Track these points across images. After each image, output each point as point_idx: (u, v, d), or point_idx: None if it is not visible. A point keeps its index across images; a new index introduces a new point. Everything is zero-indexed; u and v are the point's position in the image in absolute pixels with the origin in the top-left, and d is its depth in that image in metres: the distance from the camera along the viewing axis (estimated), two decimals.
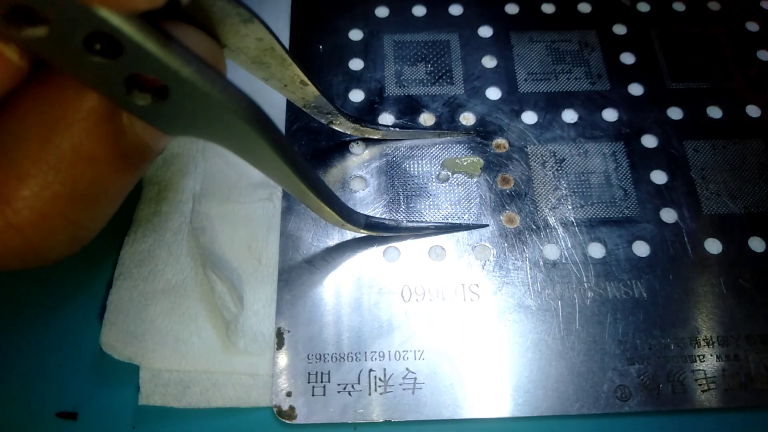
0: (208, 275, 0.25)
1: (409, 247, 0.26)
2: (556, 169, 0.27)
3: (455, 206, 0.26)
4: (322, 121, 0.26)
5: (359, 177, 0.27)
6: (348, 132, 0.27)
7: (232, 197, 0.26)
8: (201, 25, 0.18)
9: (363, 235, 0.25)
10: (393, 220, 0.26)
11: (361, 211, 0.26)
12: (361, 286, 0.25)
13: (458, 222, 0.26)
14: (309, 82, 0.23)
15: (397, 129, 0.28)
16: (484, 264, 0.25)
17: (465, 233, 0.26)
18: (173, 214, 0.26)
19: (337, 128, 0.27)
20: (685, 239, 0.26)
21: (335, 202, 0.22)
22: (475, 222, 0.26)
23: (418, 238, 0.26)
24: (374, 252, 0.25)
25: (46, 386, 0.24)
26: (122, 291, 0.25)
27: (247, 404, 0.23)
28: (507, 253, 0.25)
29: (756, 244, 0.26)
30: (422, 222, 0.26)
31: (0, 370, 0.24)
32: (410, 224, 0.26)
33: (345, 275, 0.25)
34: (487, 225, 0.26)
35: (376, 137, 0.28)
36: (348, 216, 0.23)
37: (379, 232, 0.25)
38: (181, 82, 0.14)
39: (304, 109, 0.25)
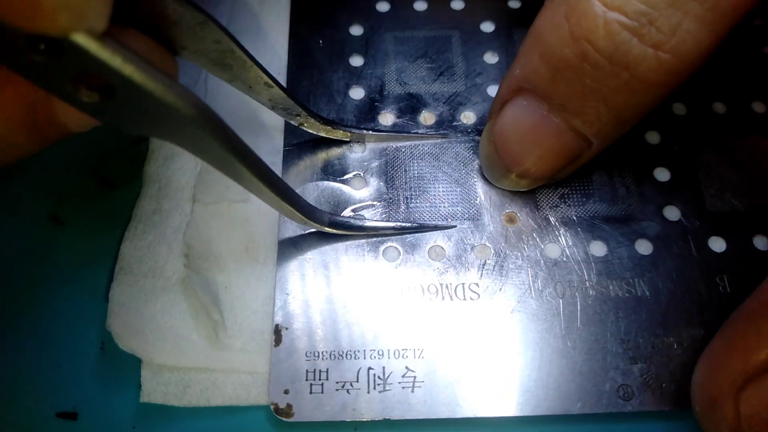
0: (193, 285, 0.25)
1: (408, 246, 0.25)
2: None
3: (455, 206, 0.26)
4: (293, 123, 0.26)
5: (358, 176, 0.27)
6: (321, 134, 0.27)
7: (228, 196, 0.26)
8: (156, 28, 0.18)
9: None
10: (358, 217, 0.26)
11: (361, 210, 0.26)
12: (359, 285, 0.25)
13: (436, 224, 0.26)
14: (273, 84, 0.23)
15: (371, 131, 0.28)
16: (484, 263, 0.25)
17: (467, 232, 0.26)
18: (174, 212, 0.26)
19: (308, 130, 0.27)
20: (689, 237, 0.26)
21: (296, 200, 0.22)
22: (476, 221, 0.26)
23: (384, 237, 0.26)
24: (373, 251, 0.25)
25: (46, 386, 0.24)
26: (123, 285, 0.25)
27: (247, 402, 0.23)
28: (507, 253, 0.25)
29: (760, 242, 0.26)
30: (387, 222, 0.26)
31: (0, 370, 0.24)
32: (374, 224, 0.26)
33: (344, 273, 0.25)
34: (455, 226, 0.26)
35: (346, 140, 0.28)
36: (310, 214, 0.23)
37: (343, 230, 0.25)
38: (124, 82, 0.15)
39: (273, 111, 0.25)
